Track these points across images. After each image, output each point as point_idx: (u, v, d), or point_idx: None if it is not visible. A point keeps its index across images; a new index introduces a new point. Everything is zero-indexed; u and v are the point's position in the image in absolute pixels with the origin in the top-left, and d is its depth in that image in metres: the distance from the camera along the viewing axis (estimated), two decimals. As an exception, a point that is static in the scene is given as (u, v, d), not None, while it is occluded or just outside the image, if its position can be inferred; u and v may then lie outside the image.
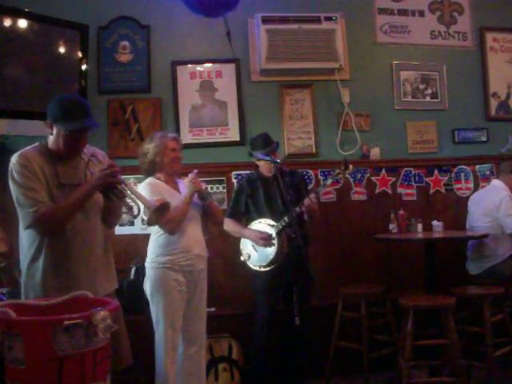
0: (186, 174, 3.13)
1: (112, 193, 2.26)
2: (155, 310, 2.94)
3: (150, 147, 3.07)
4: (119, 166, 2.30)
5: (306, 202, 3.25)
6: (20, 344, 1.67)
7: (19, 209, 2.22)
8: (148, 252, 3.03)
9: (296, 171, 3.74)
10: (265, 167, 3.52)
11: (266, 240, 3.33)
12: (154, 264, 2.95)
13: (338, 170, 3.36)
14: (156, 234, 2.99)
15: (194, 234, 3.03)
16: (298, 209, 3.26)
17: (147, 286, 2.98)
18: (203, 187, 3.09)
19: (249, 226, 3.49)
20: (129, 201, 2.30)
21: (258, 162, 3.55)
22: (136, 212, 2.27)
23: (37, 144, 2.33)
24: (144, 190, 2.92)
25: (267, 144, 3.46)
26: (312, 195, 3.28)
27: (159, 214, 2.42)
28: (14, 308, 1.77)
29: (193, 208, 3.03)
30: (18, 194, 2.19)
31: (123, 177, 2.33)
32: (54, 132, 2.26)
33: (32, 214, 2.16)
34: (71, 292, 2.05)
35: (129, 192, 2.28)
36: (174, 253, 2.93)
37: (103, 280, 2.38)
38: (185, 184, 3.07)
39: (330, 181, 3.44)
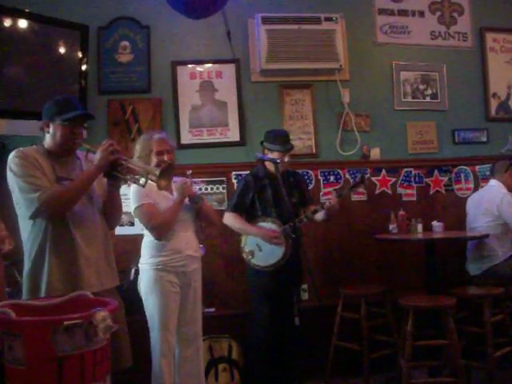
0: (184, 174, 3.10)
1: (116, 171, 2.28)
2: (149, 312, 2.92)
3: (136, 150, 3.01)
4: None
5: (330, 202, 3.33)
6: (20, 344, 1.67)
7: (22, 198, 2.21)
8: (141, 253, 3.01)
9: (297, 172, 3.73)
10: (271, 163, 3.44)
11: (278, 238, 3.31)
12: (147, 266, 2.94)
13: (354, 183, 3.56)
14: (148, 235, 2.96)
15: (185, 236, 2.97)
16: (319, 210, 3.36)
17: (141, 287, 2.97)
18: (194, 190, 3.01)
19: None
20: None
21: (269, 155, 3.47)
22: (143, 182, 2.31)
23: (33, 146, 2.37)
24: (133, 194, 2.90)
25: (284, 142, 3.42)
26: (334, 196, 3.39)
27: (166, 177, 2.41)
28: (13, 308, 1.77)
29: (183, 211, 2.96)
30: (20, 182, 2.20)
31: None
32: (51, 129, 2.31)
33: (37, 198, 2.17)
34: (77, 285, 2.13)
35: (131, 166, 2.31)
36: (165, 254, 2.90)
37: (105, 273, 2.41)
38: (175, 189, 2.95)
39: (350, 189, 3.52)
